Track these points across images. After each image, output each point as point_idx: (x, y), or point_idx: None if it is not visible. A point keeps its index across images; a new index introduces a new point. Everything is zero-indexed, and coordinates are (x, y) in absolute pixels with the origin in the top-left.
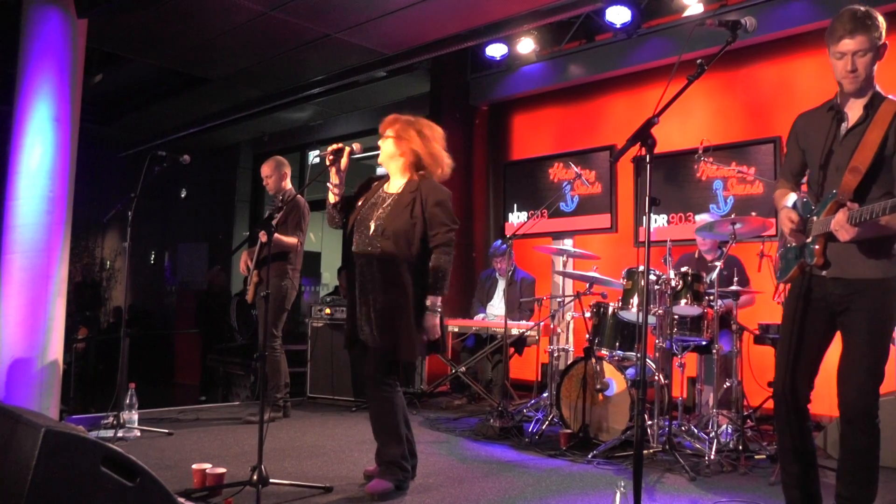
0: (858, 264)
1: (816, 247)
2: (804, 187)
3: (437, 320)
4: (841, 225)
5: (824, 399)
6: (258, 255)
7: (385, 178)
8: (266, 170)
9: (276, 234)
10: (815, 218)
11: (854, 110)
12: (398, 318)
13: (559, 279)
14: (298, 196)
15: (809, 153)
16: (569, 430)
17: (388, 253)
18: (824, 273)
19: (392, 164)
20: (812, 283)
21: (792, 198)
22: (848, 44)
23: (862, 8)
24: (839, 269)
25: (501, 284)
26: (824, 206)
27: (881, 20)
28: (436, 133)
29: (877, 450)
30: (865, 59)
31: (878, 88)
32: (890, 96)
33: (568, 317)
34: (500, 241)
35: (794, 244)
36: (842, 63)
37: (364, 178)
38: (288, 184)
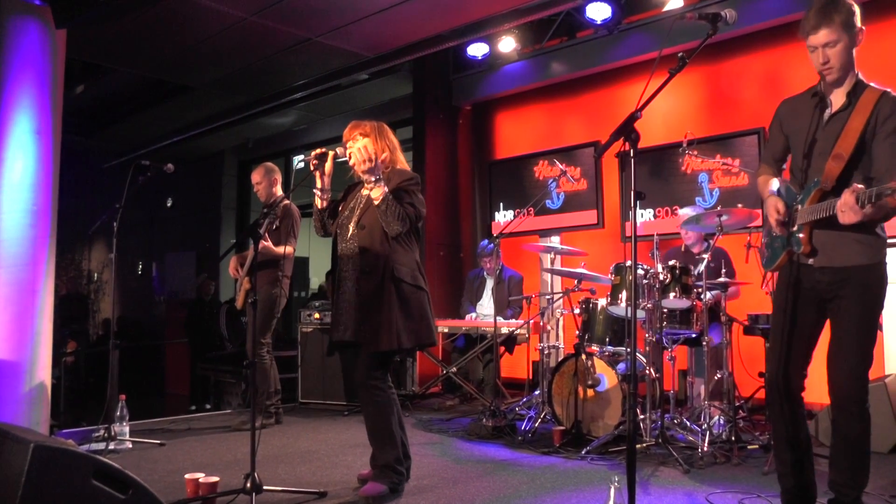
0: (844, 252)
1: (802, 235)
2: (786, 173)
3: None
4: (849, 206)
5: (815, 387)
6: (250, 262)
7: (362, 183)
8: (256, 177)
9: (265, 243)
10: (799, 206)
11: (837, 97)
12: (376, 308)
13: (547, 276)
14: (291, 204)
15: (793, 139)
16: (561, 427)
17: (364, 246)
18: (811, 261)
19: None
20: (800, 272)
21: (776, 183)
22: (814, 39)
23: None
24: (826, 257)
25: (490, 283)
26: (808, 194)
27: (848, 6)
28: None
29: (868, 435)
30: (836, 49)
31: (860, 76)
32: (872, 84)
33: (557, 314)
34: (487, 241)
35: (779, 234)
36: (814, 56)
37: (350, 182)
38: (279, 190)
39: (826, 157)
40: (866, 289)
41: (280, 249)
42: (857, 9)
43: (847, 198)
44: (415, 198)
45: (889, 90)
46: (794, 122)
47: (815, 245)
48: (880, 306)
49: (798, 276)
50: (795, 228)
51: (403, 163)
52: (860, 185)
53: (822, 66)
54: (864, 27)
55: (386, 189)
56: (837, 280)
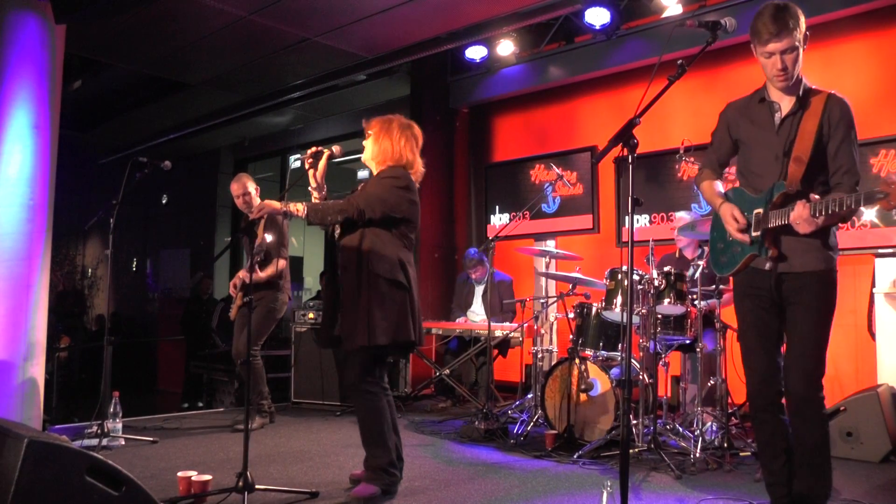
0: (802, 257)
1: (766, 239)
2: (729, 176)
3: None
4: (804, 218)
5: None
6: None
7: (365, 182)
8: (236, 189)
9: (259, 274)
10: (762, 210)
11: (785, 101)
12: (353, 304)
13: (542, 280)
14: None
15: (744, 143)
16: (554, 431)
17: (344, 242)
18: (768, 267)
19: (371, 163)
20: (758, 279)
21: (720, 186)
22: (775, 46)
23: (779, 2)
24: (787, 263)
25: (479, 289)
26: (771, 197)
27: (798, 12)
28: (414, 132)
29: (827, 441)
30: (793, 55)
31: (804, 79)
32: (814, 86)
33: (551, 318)
34: (474, 250)
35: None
36: (771, 62)
37: (345, 181)
38: (257, 199)
39: (781, 160)
40: (821, 295)
41: (270, 270)
42: (801, 15)
43: (801, 211)
44: (379, 188)
45: (834, 92)
46: (743, 125)
47: (780, 250)
48: (833, 312)
49: (757, 284)
50: (759, 233)
51: (411, 157)
52: (816, 196)
53: (777, 72)
54: (808, 32)
55: (304, 204)
56: (794, 287)
